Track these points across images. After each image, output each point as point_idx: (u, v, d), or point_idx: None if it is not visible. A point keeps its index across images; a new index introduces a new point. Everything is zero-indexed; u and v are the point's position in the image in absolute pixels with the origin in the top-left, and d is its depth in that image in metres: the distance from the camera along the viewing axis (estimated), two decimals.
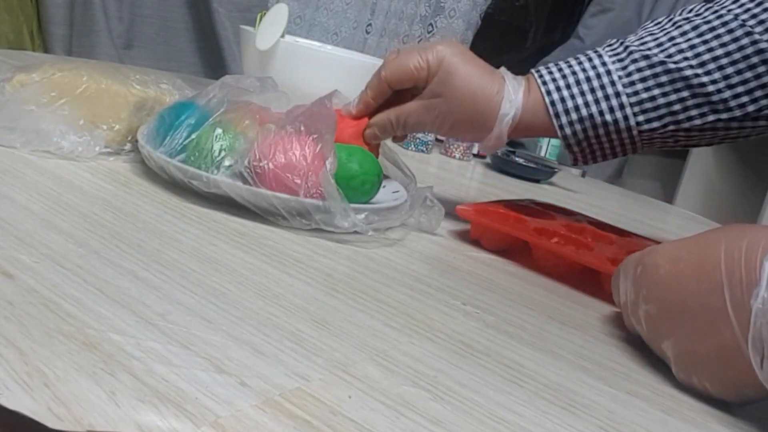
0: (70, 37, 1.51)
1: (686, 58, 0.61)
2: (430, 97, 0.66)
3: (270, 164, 0.57)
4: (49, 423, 0.28)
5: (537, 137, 0.67)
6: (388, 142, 0.72)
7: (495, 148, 0.68)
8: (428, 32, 2.17)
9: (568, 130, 0.64)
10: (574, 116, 0.64)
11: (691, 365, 0.44)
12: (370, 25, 2.05)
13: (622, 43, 0.64)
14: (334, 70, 0.94)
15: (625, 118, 0.63)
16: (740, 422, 0.43)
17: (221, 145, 0.58)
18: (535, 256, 0.65)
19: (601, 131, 0.64)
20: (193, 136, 0.59)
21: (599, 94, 0.63)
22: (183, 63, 1.70)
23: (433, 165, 1.09)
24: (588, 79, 0.63)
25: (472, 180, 1.08)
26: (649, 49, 0.62)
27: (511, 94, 0.65)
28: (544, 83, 0.65)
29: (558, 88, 0.64)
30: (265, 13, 0.94)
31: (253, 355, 0.36)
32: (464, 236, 0.69)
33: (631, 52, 0.63)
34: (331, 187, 0.56)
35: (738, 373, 0.41)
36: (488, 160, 1.22)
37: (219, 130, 0.59)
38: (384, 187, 0.65)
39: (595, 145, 0.65)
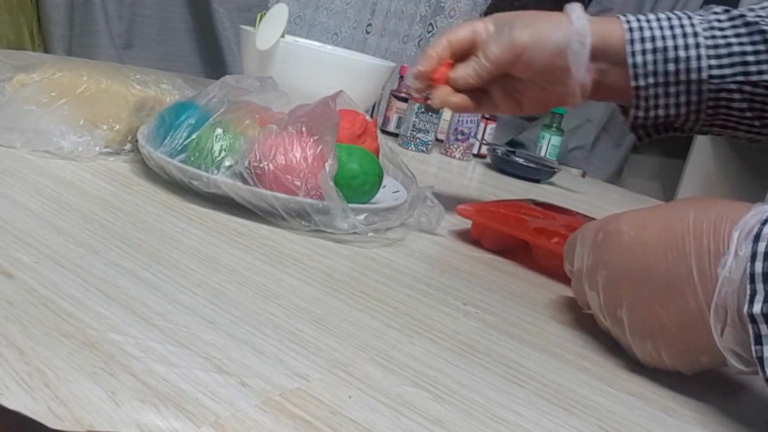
0: (70, 37, 1.51)
1: (765, 21, 0.63)
2: (499, 32, 0.67)
3: (270, 165, 0.57)
4: (50, 423, 0.28)
5: (608, 98, 0.68)
6: (388, 142, 0.72)
7: (581, 74, 0.67)
8: (428, 32, 2.17)
9: (639, 59, 0.64)
10: (648, 45, 0.64)
11: (650, 330, 0.44)
12: (370, 25, 2.05)
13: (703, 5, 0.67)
14: (334, 70, 0.94)
15: (698, 57, 0.63)
16: (741, 423, 0.43)
17: (221, 146, 0.58)
18: (535, 256, 0.65)
19: (671, 67, 0.64)
20: (194, 136, 0.59)
21: (677, 31, 0.64)
22: (183, 63, 1.70)
23: (433, 165, 1.09)
24: (668, 18, 0.65)
25: (472, 180, 1.08)
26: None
27: (577, 9, 0.67)
28: (624, 15, 0.67)
29: (638, 19, 0.66)
30: (265, 13, 0.94)
31: (253, 355, 0.36)
32: (464, 236, 0.69)
33: (711, 6, 0.65)
34: (330, 189, 0.56)
35: (697, 340, 0.42)
36: (488, 160, 1.22)
37: (219, 130, 0.59)
38: (384, 187, 0.65)
39: (661, 87, 0.65)
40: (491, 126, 1.25)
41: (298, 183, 0.57)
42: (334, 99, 0.62)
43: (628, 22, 0.66)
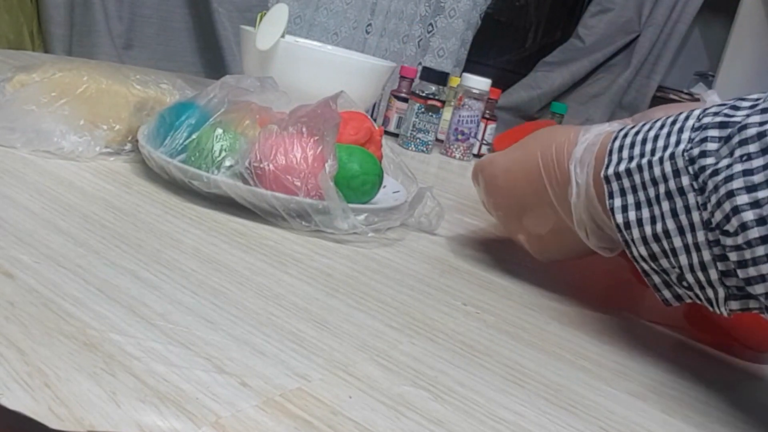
0: (70, 37, 1.51)
1: None
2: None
3: (270, 165, 0.57)
4: (50, 423, 0.28)
5: None
6: (389, 142, 0.72)
7: None
8: (428, 32, 2.17)
9: None
10: None
11: (541, 247, 0.57)
12: (370, 25, 2.05)
13: None
14: (334, 70, 0.94)
15: None
16: (741, 423, 0.43)
17: (222, 146, 0.58)
18: None
19: None
20: (194, 136, 0.59)
21: None
22: (183, 63, 1.70)
23: (433, 165, 1.09)
24: None
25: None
26: None
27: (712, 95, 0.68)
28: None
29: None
30: (265, 13, 0.94)
31: (253, 356, 0.36)
32: (464, 236, 0.69)
33: None
34: (330, 189, 0.56)
35: (574, 244, 0.54)
36: None
37: (219, 131, 0.59)
38: (384, 187, 0.65)
39: None
40: (491, 126, 1.25)
41: (299, 183, 0.57)
42: (334, 99, 0.62)
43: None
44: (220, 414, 0.31)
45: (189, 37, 1.72)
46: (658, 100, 2.43)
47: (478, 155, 1.25)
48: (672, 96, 2.46)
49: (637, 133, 0.47)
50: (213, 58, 1.71)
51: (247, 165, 0.57)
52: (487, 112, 1.23)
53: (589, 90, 2.40)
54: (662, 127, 0.46)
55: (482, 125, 1.23)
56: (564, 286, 0.61)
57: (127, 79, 0.68)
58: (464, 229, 0.70)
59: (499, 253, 0.66)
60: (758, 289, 0.39)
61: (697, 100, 0.70)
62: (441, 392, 0.38)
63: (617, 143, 0.48)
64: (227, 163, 0.58)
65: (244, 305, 0.42)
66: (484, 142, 1.24)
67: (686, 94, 2.47)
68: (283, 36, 0.92)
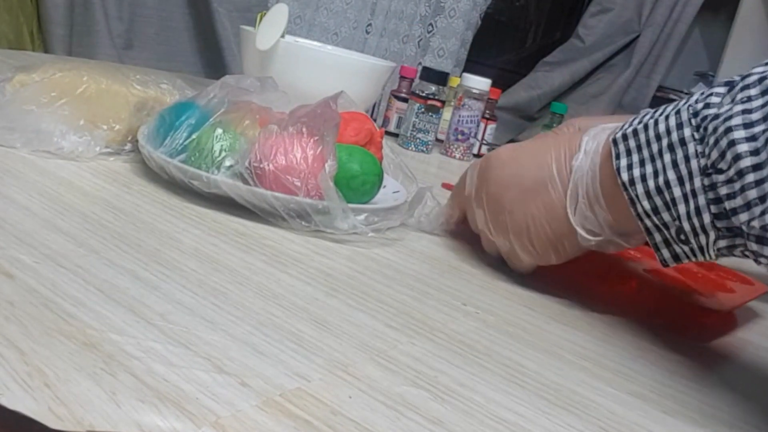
0: (70, 37, 1.51)
1: None
2: None
3: (270, 165, 0.57)
4: (50, 423, 0.28)
5: None
6: (388, 142, 0.72)
7: None
8: (428, 32, 2.17)
9: None
10: None
11: (525, 225, 0.55)
12: (370, 25, 2.05)
13: None
14: (334, 70, 0.94)
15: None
16: (741, 423, 0.43)
17: (222, 146, 0.58)
18: None
19: None
20: (194, 136, 0.59)
21: None
22: (183, 63, 1.70)
23: (433, 165, 1.09)
24: None
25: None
26: None
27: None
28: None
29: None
30: (265, 13, 0.94)
31: (253, 355, 0.36)
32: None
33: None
34: (330, 189, 0.56)
35: (559, 225, 0.53)
36: None
37: (219, 131, 0.59)
38: (384, 187, 0.65)
39: None
40: (491, 126, 1.25)
41: (298, 183, 0.57)
42: (334, 99, 0.62)
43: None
44: (220, 414, 0.31)
45: (189, 37, 1.71)
46: (658, 100, 2.43)
47: (478, 155, 1.25)
48: (672, 96, 2.46)
49: (656, 110, 0.49)
50: (213, 58, 1.71)
51: (247, 165, 0.57)
52: (487, 112, 1.23)
53: (589, 90, 2.40)
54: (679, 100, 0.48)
55: (482, 125, 1.23)
56: (564, 286, 0.61)
57: (127, 79, 0.68)
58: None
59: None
60: (742, 217, 0.40)
61: None
62: (441, 392, 0.38)
63: (636, 119, 0.50)
64: (227, 163, 0.58)
65: (244, 305, 0.42)
66: (484, 142, 1.24)
67: (686, 94, 2.47)
68: (283, 36, 0.92)
